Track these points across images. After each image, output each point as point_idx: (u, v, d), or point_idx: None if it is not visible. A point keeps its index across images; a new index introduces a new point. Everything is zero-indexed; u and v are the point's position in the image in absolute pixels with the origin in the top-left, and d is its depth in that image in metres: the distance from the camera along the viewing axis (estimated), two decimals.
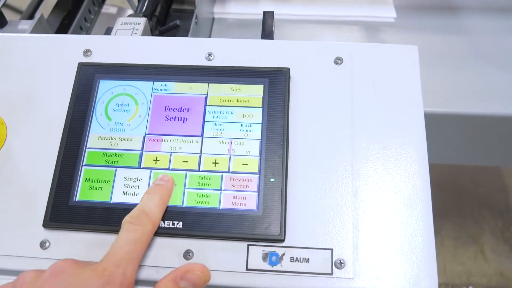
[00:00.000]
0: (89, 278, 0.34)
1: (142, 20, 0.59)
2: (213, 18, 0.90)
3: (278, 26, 0.89)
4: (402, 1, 0.90)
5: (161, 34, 0.65)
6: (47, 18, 0.71)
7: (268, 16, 0.57)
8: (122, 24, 0.59)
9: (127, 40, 0.52)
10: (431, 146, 0.48)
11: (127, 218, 0.40)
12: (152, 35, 0.64)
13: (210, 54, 0.50)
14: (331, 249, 0.43)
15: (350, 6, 0.90)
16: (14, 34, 0.54)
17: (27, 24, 0.60)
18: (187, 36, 0.68)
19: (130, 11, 1.20)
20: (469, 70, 0.78)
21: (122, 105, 0.48)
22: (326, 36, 0.86)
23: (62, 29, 0.72)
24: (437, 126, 0.77)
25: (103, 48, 0.52)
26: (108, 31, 0.60)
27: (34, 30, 0.59)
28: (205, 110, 0.48)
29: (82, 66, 0.50)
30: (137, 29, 0.58)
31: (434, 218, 0.44)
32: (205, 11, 0.75)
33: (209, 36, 0.86)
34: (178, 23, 0.63)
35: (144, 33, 0.59)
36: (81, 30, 0.77)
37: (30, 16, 0.66)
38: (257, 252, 0.43)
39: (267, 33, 0.55)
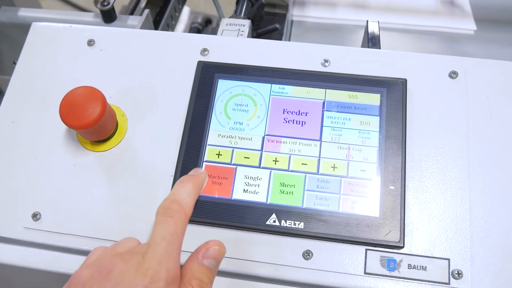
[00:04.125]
0: (135, 277, 0.34)
1: (247, 22, 0.60)
2: (292, 21, 0.92)
3: (355, 32, 0.90)
4: (482, 14, 0.90)
5: (259, 36, 0.66)
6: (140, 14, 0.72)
7: (373, 25, 0.58)
8: (227, 25, 0.60)
9: (244, 42, 0.54)
10: None
11: (159, 209, 0.38)
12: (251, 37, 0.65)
13: (326, 61, 0.52)
14: (448, 259, 0.44)
15: (429, 16, 0.90)
16: (133, 29, 0.56)
17: (136, 20, 0.62)
18: (281, 38, 0.69)
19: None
20: None
21: (241, 105, 0.50)
22: (407, 45, 0.87)
23: (155, 25, 0.74)
24: None
25: (220, 48, 0.53)
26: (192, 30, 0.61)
27: (142, 26, 0.61)
28: (323, 115, 0.49)
29: (202, 65, 0.51)
30: (242, 31, 0.59)
31: None
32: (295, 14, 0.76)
33: (289, 38, 0.87)
34: (277, 26, 0.65)
35: (249, 35, 0.60)
36: (168, 27, 0.79)
37: (132, 11, 0.68)
38: (375, 256, 0.44)
39: (374, 42, 0.56)
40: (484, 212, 0.45)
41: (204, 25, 1.27)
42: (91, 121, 0.45)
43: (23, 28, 0.63)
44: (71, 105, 0.45)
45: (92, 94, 0.46)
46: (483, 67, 0.51)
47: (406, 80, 0.50)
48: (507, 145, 0.47)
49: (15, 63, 0.66)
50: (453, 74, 0.50)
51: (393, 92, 0.49)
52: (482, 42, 0.88)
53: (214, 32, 1.25)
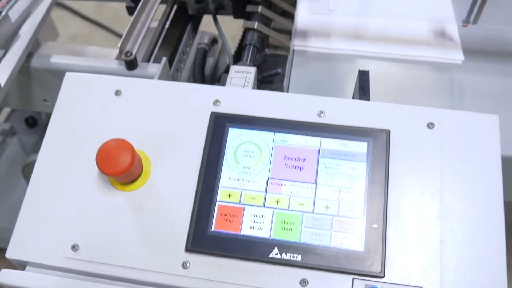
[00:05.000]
0: None
1: (253, 70, 0.69)
2: (294, 50, 1.00)
3: (353, 61, 0.98)
4: (470, 45, 0.98)
5: (263, 79, 0.74)
6: (156, 55, 0.81)
7: (364, 75, 0.66)
8: (235, 72, 0.69)
9: (251, 93, 0.62)
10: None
11: None
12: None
13: (321, 112, 0.60)
14: (421, 287, 0.52)
15: (420, 46, 0.98)
16: (154, 80, 0.65)
17: (155, 68, 0.70)
18: (283, 78, 0.77)
19: None
20: None
21: (248, 151, 0.58)
22: (397, 74, 0.95)
23: (170, 63, 0.82)
24: None
25: (230, 98, 0.61)
26: (223, 79, 0.69)
27: (162, 73, 0.69)
28: (318, 161, 0.57)
29: (215, 116, 0.60)
30: (249, 78, 0.68)
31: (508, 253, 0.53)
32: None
33: (291, 68, 0.95)
34: (279, 71, 0.73)
35: (254, 82, 0.69)
36: (180, 63, 0.87)
37: (149, 57, 0.76)
38: (360, 284, 0.53)
39: (364, 92, 0.64)
40: (454, 246, 0.54)
41: (211, 45, 1.35)
42: (123, 169, 0.53)
43: (54, 73, 0.72)
44: (106, 155, 0.54)
45: (123, 146, 0.54)
46: (457, 118, 0.59)
47: (389, 131, 0.58)
48: (476, 189, 0.56)
49: (46, 101, 0.75)
50: (430, 125, 0.58)
51: (378, 141, 0.58)
52: (470, 71, 0.96)
53: (222, 52, 1.33)
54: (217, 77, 1.27)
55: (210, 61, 1.30)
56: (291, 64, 0.95)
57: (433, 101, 0.93)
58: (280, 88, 0.76)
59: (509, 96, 0.91)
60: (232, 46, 1.05)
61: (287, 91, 0.83)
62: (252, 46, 0.76)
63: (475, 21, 0.89)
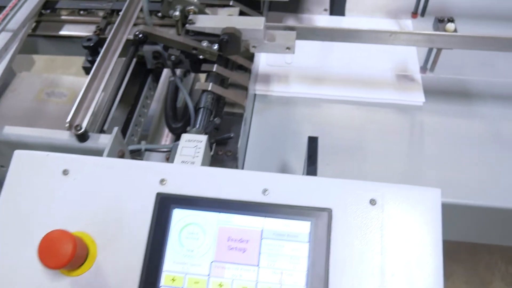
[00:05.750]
0: None
1: (204, 138, 0.69)
2: (255, 95, 1.00)
3: (314, 104, 0.99)
4: (431, 87, 0.99)
5: (217, 142, 0.75)
6: (114, 114, 0.81)
7: (313, 142, 0.67)
8: (186, 141, 0.69)
9: (197, 171, 0.63)
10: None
11: None
12: (209, 143, 0.74)
13: (266, 190, 0.60)
14: None
15: (381, 88, 0.99)
16: (102, 158, 0.65)
17: (106, 139, 0.70)
18: (239, 136, 0.78)
19: None
20: (488, 157, 0.87)
21: (192, 233, 0.59)
22: (363, 116, 0.95)
23: (127, 122, 0.82)
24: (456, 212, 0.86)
25: (176, 177, 0.62)
26: (174, 148, 0.70)
27: (113, 143, 0.70)
28: (261, 242, 0.58)
29: (160, 197, 0.60)
30: (199, 148, 0.68)
31: (446, 261, 0.54)
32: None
33: (252, 113, 0.96)
34: (232, 135, 0.73)
35: (205, 149, 0.69)
36: (140, 117, 0.88)
37: (101, 128, 0.76)
38: None
39: (312, 161, 0.65)
40: None
41: (183, 77, 1.35)
42: (64, 263, 0.54)
43: (7, 143, 0.73)
44: (47, 249, 0.54)
45: (63, 237, 0.55)
46: (399, 193, 0.60)
47: (331, 210, 0.59)
48: (417, 266, 0.57)
49: (2, 166, 0.75)
50: (372, 201, 0.59)
51: (320, 221, 0.58)
52: (431, 113, 0.97)
53: (195, 82, 1.33)
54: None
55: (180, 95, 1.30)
56: (252, 110, 0.96)
57: (394, 143, 0.94)
58: (234, 150, 0.77)
59: (466, 137, 0.92)
60: None
61: (244, 154, 0.84)
62: (206, 110, 0.76)
63: (431, 69, 0.89)
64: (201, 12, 0.84)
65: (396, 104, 0.98)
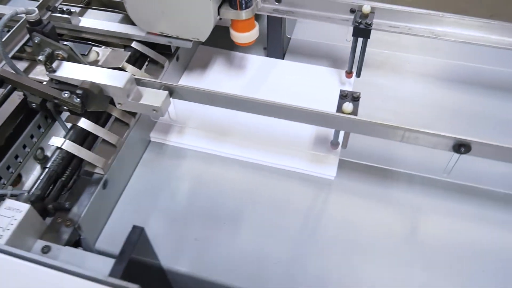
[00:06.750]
0: None
1: (26, 208, 0.63)
2: (149, 141, 0.94)
3: (210, 160, 0.91)
4: (344, 163, 0.90)
5: (54, 209, 0.68)
6: None
7: (136, 231, 0.60)
8: (5, 209, 0.63)
9: None
10: None
11: None
12: (46, 207, 0.68)
13: None
14: None
15: (293, 157, 0.90)
16: None
17: None
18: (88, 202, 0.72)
19: None
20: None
21: None
22: (264, 183, 0.87)
23: None
24: None
25: None
26: None
27: None
28: None
29: None
30: (15, 219, 0.62)
31: None
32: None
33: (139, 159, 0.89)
34: (66, 205, 0.67)
35: (25, 221, 0.63)
36: (16, 158, 0.82)
37: None
38: None
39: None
40: None
41: None
42: None
43: None
44: None
45: None
46: None
47: None
48: None
49: None
50: None
51: None
52: (337, 190, 0.87)
53: None
54: None
55: None
56: (138, 162, 0.90)
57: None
58: (75, 220, 0.70)
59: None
60: None
61: (108, 215, 0.78)
62: (50, 171, 0.70)
63: (343, 146, 0.80)
64: (71, 58, 0.77)
65: (305, 175, 0.89)
